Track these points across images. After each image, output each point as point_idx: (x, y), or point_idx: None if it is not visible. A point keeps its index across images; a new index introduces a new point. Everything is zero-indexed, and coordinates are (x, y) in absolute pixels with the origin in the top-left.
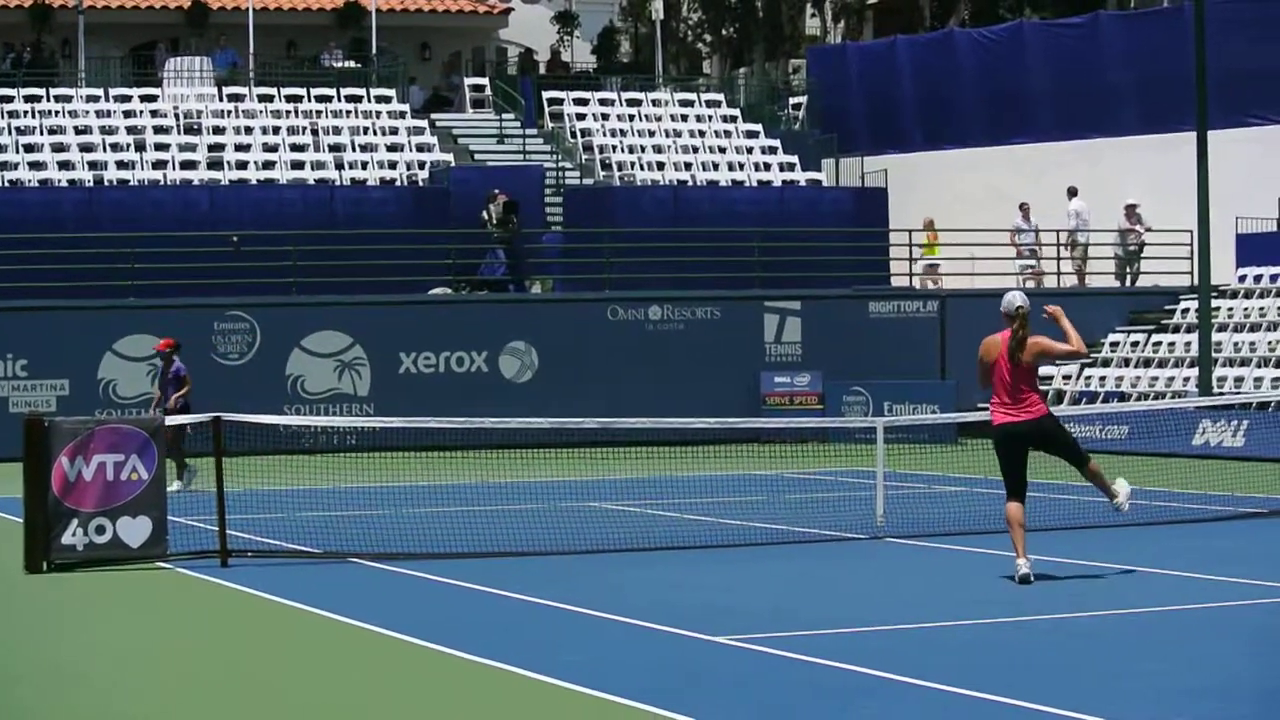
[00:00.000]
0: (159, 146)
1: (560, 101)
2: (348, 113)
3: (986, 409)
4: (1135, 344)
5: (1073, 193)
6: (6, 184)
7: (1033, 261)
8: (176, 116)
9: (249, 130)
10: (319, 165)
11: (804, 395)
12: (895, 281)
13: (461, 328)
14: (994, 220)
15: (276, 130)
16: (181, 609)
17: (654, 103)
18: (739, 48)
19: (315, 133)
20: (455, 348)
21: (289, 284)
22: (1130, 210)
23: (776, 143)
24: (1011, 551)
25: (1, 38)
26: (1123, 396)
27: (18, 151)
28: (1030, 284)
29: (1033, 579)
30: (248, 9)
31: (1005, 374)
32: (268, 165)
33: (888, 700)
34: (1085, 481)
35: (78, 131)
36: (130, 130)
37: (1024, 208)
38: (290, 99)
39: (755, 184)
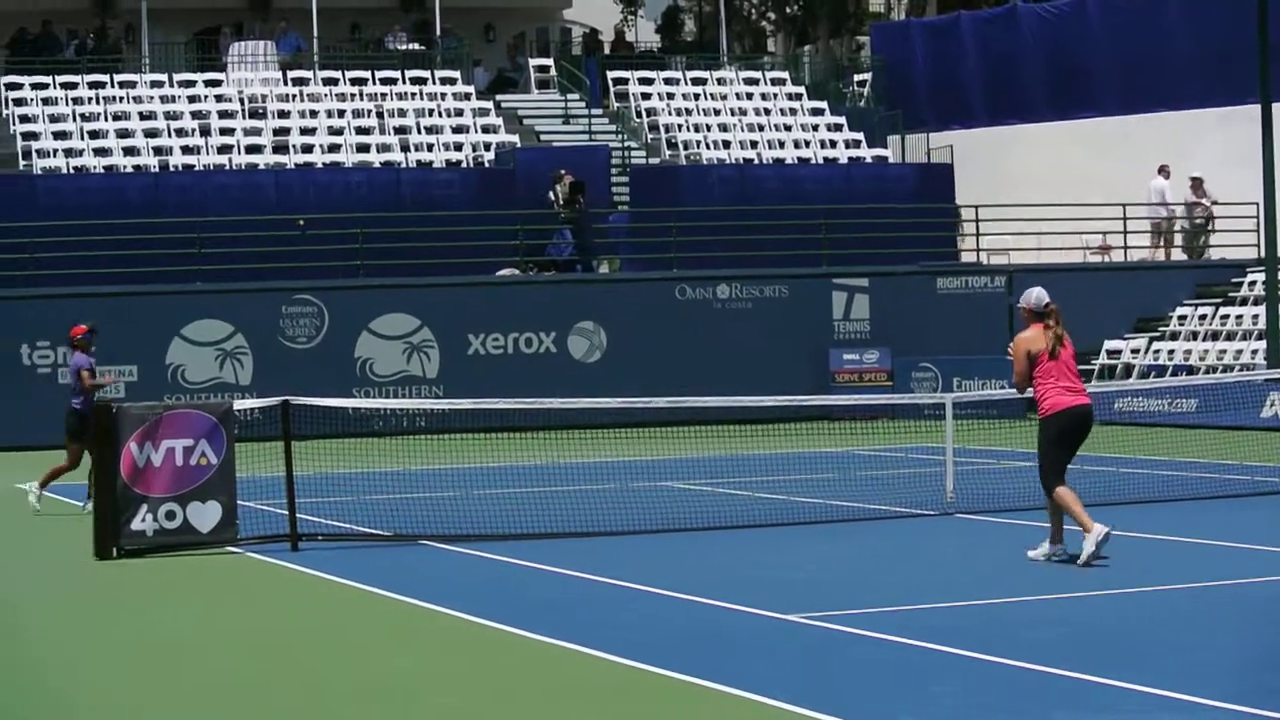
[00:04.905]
0: (224, 131)
1: (625, 81)
2: (412, 95)
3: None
4: (1203, 317)
5: (1162, 171)
6: (72, 170)
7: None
8: (241, 101)
9: (314, 114)
10: (384, 148)
11: (873, 372)
12: (963, 257)
13: (529, 309)
14: (1059, 194)
15: (341, 114)
16: (252, 593)
17: (719, 81)
18: (803, 25)
19: (380, 115)
20: (523, 329)
21: (356, 267)
22: (1196, 183)
23: (842, 120)
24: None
25: (65, 24)
26: (1191, 370)
27: (83, 138)
28: (1096, 258)
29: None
30: None
31: (1064, 361)
32: (333, 149)
33: (960, 676)
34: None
35: (142, 117)
36: (195, 115)
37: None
38: (355, 82)
39: (821, 161)
